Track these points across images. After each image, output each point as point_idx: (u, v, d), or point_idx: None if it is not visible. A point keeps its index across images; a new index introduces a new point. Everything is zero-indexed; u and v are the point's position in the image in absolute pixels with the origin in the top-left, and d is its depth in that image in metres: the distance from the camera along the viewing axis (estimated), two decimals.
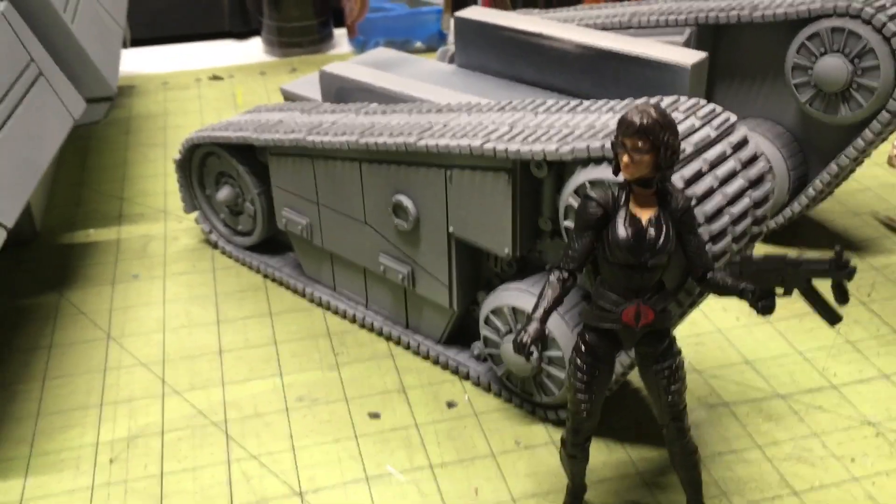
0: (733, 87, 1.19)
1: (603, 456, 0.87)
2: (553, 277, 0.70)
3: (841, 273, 0.64)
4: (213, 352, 1.03)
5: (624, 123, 0.65)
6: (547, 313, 0.69)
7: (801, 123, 1.15)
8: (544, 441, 0.89)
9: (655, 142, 0.64)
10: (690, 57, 1.05)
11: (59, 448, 0.90)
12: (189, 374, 1.00)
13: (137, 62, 1.84)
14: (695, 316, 1.07)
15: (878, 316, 1.06)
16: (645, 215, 0.67)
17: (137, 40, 1.82)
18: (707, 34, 1.17)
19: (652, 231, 0.67)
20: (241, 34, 1.94)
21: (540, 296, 0.69)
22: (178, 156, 1.19)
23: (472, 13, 1.23)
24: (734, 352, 1.01)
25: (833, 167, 1.10)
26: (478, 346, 0.98)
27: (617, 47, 1.07)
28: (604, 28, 1.23)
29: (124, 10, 1.47)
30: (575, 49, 1.11)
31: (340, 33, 1.92)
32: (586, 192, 0.69)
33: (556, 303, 0.69)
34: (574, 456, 0.77)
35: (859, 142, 1.07)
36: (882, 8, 1.01)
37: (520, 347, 0.68)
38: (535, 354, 0.85)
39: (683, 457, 0.76)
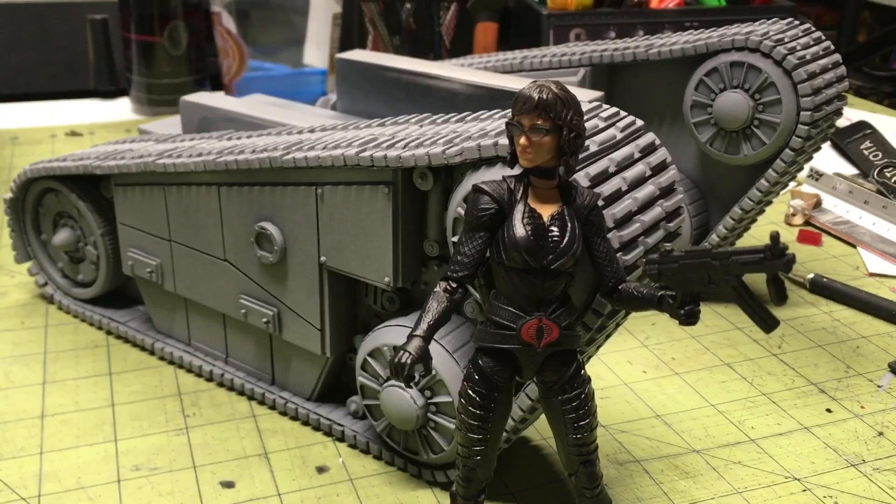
0: None
1: None
2: (439, 288, 0.58)
3: (777, 263, 0.54)
4: (34, 416, 0.86)
5: (521, 99, 0.55)
6: (432, 329, 0.57)
7: (702, 169, 1.09)
8: None
9: (556, 120, 0.54)
10: (585, 95, 0.98)
11: None
12: None
13: None
14: (598, 370, 0.96)
15: (792, 368, 0.98)
16: (546, 211, 0.57)
17: None
18: (602, 76, 1.11)
19: (555, 229, 0.56)
20: (108, 93, 1.80)
21: (424, 309, 0.57)
22: (9, 194, 1.03)
23: (355, 55, 1.14)
24: (643, 406, 0.91)
25: (736, 211, 1.04)
26: (354, 402, 0.84)
27: (507, 85, 0.99)
28: (495, 71, 1.16)
29: None
30: (464, 89, 1.02)
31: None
32: (477, 185, 0.58)
33: (443, 318, 0.57)
34: None
35: (763, 182, 1.01)
36: (781, 41, 0.97)
37: (399, 369, 0.55)
38: (417, 378, 0.70)
39: None
